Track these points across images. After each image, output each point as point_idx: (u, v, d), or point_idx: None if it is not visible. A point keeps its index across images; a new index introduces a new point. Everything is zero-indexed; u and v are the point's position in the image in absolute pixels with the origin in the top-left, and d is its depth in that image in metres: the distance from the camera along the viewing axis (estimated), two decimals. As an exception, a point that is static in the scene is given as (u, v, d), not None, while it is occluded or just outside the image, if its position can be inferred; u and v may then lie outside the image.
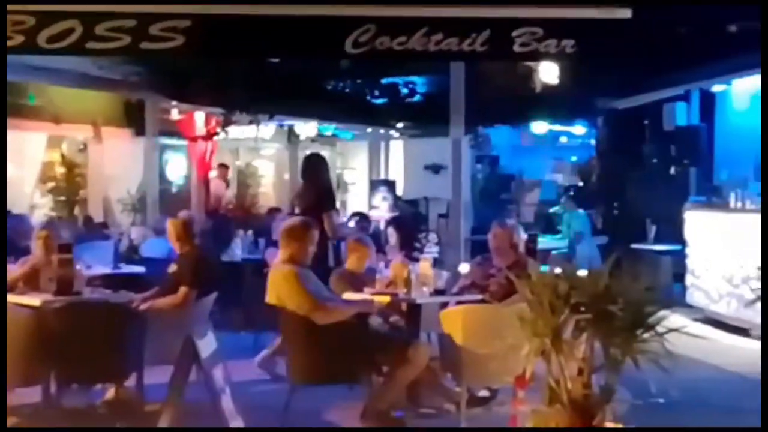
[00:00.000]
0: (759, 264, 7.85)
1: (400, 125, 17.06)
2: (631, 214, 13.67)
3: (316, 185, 8.05)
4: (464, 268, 6.84)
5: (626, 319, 3.19)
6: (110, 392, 6.18)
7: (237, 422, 5.37)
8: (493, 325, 4.76)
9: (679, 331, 3.28)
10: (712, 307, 9.87)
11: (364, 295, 6.33)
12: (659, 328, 3.21)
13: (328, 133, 17.38)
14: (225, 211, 14.72)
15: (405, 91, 15.30)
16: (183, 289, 6.37)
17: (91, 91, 12.83)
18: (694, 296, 10.38)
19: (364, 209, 15.84)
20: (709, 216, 10.31)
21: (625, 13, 6.40)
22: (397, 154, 19.10)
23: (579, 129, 16.97)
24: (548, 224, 14.54)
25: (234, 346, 7.36)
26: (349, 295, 6.34)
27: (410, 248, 8.37)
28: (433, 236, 9.67)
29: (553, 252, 12.50)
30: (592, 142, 16.44)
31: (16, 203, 11.20)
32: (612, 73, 11.90)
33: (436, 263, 7.06)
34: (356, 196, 18.76)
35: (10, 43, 6.22)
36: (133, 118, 14.02)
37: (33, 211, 12.39)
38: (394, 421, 5.69)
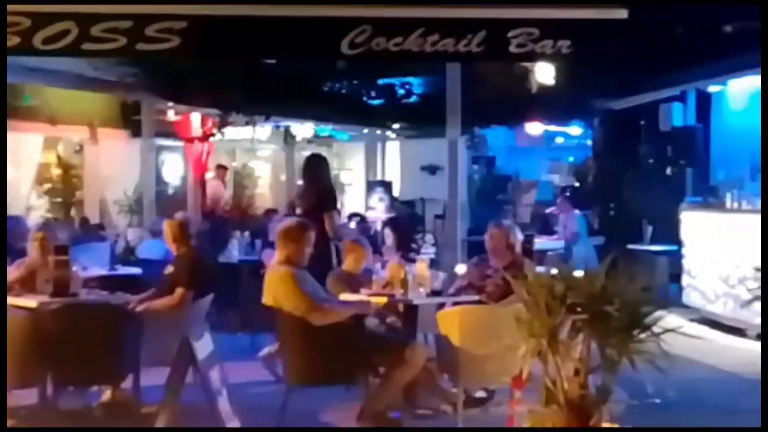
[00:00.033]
0: (758, 264, 7.85)
1: (396, 126, 17.07)
2: (627, 214, 13.69)
3: (317, 186, 8.06)
4: (461, 268, 6.85)
5: (623, 320, 3.19)
6: (107, 394, 6.17)
7: (234, 424, 5.36)
8: (489, 326, 4.77)
9: (675, 332, 3.29)
10: (708, 307, 9.88)
11: (361, 296, 6.33)
12: (655, 329, 3.22)
13: (325, 134, 17.36)
14: (222, 212, 14.71)
15: (401, 91, 15.30)
16: (179, 291, 6.36)
17: (87, 93, 12.83)
18: (690, 296, 10.39)
19: (360, 210, 15.87)
20: (706, 216, 10.33)
21: (622, 14, 6.40)
22: (394, 155, 19.11)
23: (575, 129, 16.98)
24: (545, 225, 14.54)
25: (231, 347, 7.35)
26: (345, 296, 6.33)
27: (407, 249, 8.38)
28: (429, 237, 9.70)
29: (550, 252, 12.50)
30: (589, 142, 16.45)
31: (12, 205, 11.17)
32: (608, 74, 11.91)
33: (433, 264, 7.07)
34: (353, 197, 18.76)
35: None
36: (130, 120, 14.02)
37: (29, 213, 12.40)
38: (390, 422, 5.68)
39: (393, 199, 16.65)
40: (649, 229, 12.84)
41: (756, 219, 8.87)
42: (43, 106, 12.66)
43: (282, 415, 5.49)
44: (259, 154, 19.13)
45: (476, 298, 6.17)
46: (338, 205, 8.97)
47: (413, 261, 6.80)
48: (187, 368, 5.39)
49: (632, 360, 3.19)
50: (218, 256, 9.67)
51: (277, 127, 16.70)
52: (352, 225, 12.97)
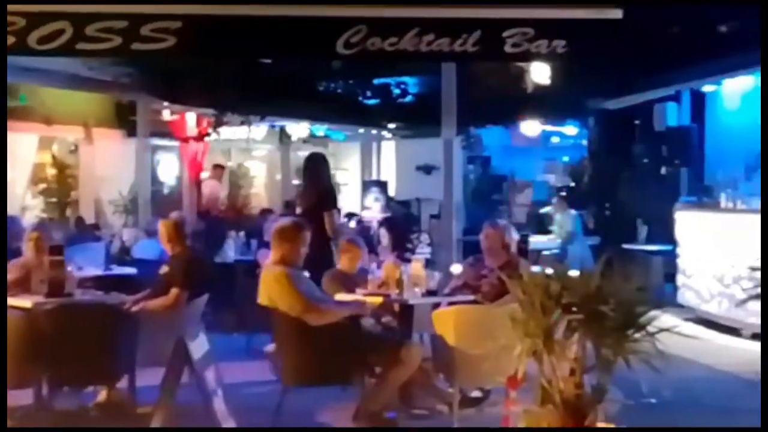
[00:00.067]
0: (753, 263, 7.85)
1: (392, 126, 17.08)
2: (622, 214, 13.72)
3: (317, 185, 8.07)
4: (456, 268, 6.84)
5: (618, 320, 3.20)
6: (102, 394, 6.17)
7: (229, 424, 5.36)
8: (485, 326, 4.78)
9: (670, 331, 3.29)
10: (703, 306, 9.90)
11: (357, 296, 6.33)
12: (650, 328, 3.22)
13: (320, 133, 17.37)
14: (217, 212, 14.70)
15: (397, 91, 15.31)
16: (174, 291, 6.35)
17: (82, 92, 12.82)
18: (685, 296, 10.40)
19: (356, 210, 15.87)
20: (700, 216, 10.34)
21: (616, 14, 6.40)
22: (389, 155, 19.11)
23: (570, 129, 17.01)
24: (540, 225, 14.57)
25: (226, 347, 7.35)
26: (341, 296, 6.33)
27: (402, 249, 8.38)
28: (425, 237, 9.68)
29: (545, 252, 12.52)
30: (584, 142, 16.48)
31: (7, 204, 11.15)
32: (603, 74, 11.92)
33: (428, 264, 7.07)
34: (348, 197, 18.76)
35: (0, 43, 6.21)
36: (125, 119, 14.00)
37: (24, 213, 12.37)
38: (386, 422, 5.68)
39: (389, 199, 16.65)
40: (644, 229, 12.87)
41: (750, 218, 8.90)
42: (38, 106, 12.64)
43: (278, 416, 5.49)
44: (254, 154, 19.12)
45: (471, 297, 6.17)
46: (338, 205, 8.97)
47: (409, 261, 6.80)
48: (182, 368, 5.38)
49: (627, 359, 3.19)
50: (214, 256, 9.66)
51: (273, 126, 16.70)
52: (352, 225, 13.00)
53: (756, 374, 6.97)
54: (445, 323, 5.75)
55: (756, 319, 8.51)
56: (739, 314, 8.81)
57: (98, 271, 7.92)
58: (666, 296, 10.43)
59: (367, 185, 17.52)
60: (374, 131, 17.78)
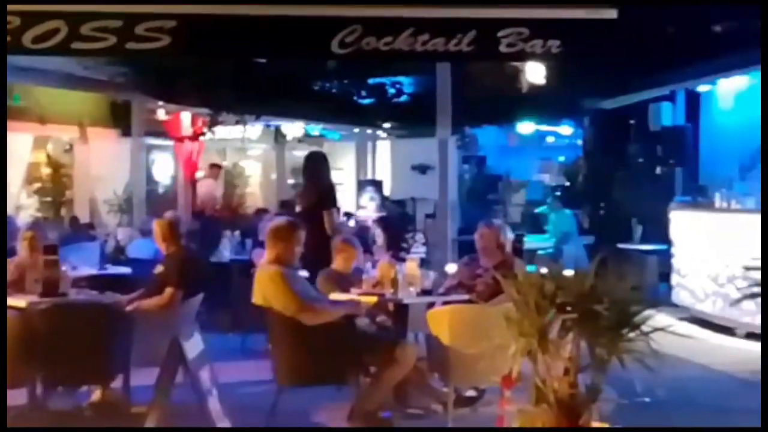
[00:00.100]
0: (747, 263, 7.87)
1: (387, 125, 17.08)
2: (617, 213, 13.74)
3: (316, 184, 8.06)
4: (451, 268, 6.85)
5: (612, 319, 3.20)
6: (96, 394, 6.15)
7: (224, 424, 5.35)
8: (479, 325, 4.78)
9: (664, 331, 3.29)
10: (697, 306, 9.92)
11: (351, 296, 6.33)
12: (645, 328, 3.23)
13: (315, 133, 17.36)
14: (212, 211, 14.69)
15: (392, 91, 15.31)
16: (169, 290, 6.34)
17: (77, 92, 12.79)
18: (679, 295, 10.42)
19: (351, 209, 15.87)
20: (695, 216, 10.36)
21: (611, 14, 6.42)
22: (384, 155, 19.12)
23: (566, 129, 17.01)
24: (535, 224, 14.58)
25: (221, 347, 7.34)
26: (336, 296, 6.33)
27: (397, 248, 8.37)
28: (420, 236, 9.66)
29: (540, 252, 12.53)
30: (579, 142, 16.49)
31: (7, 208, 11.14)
32: (598, 74, 11.94)
33: (423, 263, 7.06)
34: (344, 197, 18.75)
35: (-6, 43, 6.20)
36: (120, 119, 13.98)
37: (19, 212, 12.34)
38: (381, 422, 5.68)
39: (384, 199, 16.66)
40: (639, 229, 12.88)
41: (745, 218, 8.92)
42: (32, 106, 12.61)
43: (273, 415, 5.48)
44: (249, 154, 19.11)
45: (466, 297, 6.17)
46: (338, 204, 8.96)
47: (404, 260, 6.79)
48: (177, 368, 5.37)
49: (622, 359, 3.19)
50: (209, 256, 9.65)
51: (268, 126, 16.69)
52: (351, 224, 12.99)
53: (750, 373, 7.01)
54: (440, 323, 5.75)
55: (750, 319, 8.53)
56: (733, 314, 8.82)
57: (93, 271, 7.91)
58: (660, 296, 10.46)
59: (362, 185, 17.53)
60: (369, 131, 17.77)
